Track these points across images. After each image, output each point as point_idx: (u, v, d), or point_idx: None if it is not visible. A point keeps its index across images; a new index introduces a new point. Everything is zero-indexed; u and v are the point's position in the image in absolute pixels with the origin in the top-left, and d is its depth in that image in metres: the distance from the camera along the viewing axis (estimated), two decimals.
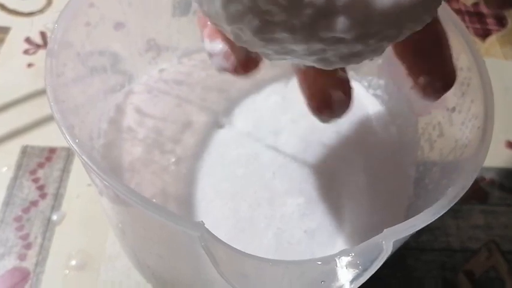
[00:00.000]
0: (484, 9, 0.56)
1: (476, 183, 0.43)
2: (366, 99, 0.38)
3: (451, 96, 0.30)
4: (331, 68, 0.19)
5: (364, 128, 0.37)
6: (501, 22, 0.55)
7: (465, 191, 0.24)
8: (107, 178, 0.21)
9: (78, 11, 0.28)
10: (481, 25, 0.54)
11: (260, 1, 0.16)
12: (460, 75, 0.29)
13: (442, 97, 0.29)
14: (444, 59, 0.22)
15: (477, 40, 0.53)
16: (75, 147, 0.22)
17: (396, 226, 0.22)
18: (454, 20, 0.28)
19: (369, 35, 0.16)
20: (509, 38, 0.53)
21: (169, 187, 0.32)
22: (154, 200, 0.31)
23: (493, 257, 0.38)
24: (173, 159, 0.34)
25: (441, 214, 0.23)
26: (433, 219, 0.23)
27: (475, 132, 0.26)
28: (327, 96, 0.23)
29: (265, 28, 0.17)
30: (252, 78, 0.39)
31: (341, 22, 0.16)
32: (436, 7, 0.18)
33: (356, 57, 0.18)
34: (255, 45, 0.18)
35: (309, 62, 0.19)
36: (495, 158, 0.44)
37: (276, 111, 0.37)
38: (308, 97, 0.23)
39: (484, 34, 0.53)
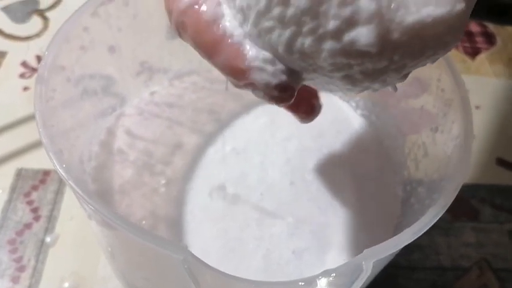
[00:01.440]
0: (473, 27, 0.56)
1: (467, 200, 0.43)
2: (354, 119, 0.39)
3: (434, 116, 0.31)
4: (356, 90, 0.20)
5: (352, 148, 0.37)
6: (490, 40, 0.55)
7: (445, 209, 0.24)
8: (92, 202, 0.22)
9: (69, 36, 0.29)
10: (470, 44, 0.55)
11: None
12: (443, 97, 0.30)
13: (427, 117, 0.30)
14: None
15: (467, 59, 0.53)
16: (61, 171, 0.23)
17: (376, 246, 0.22)
18: None
19: (393, 48, 0.17)
20: (498, 56, 0.54)
21: (159, 209, 0.33)
22: (144, 222, 0.32)
23: (485, 276, 0.38)
24: (163, 181, 0.34)
25: (421, 234, 0.23)
26: (413, 239, 0.23)
27: (456, 152, 0.26)
28: None
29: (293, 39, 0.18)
30: (242, 100, 0.40)
31: (365, 35, 0.17)
32: (460, 30, 0.18)
33: (380, 75, 0.19)
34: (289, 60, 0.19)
35: (337, 80, 0.19)
36: (486, 175, 0.45)
37: (265, 132, 0.37)
38: None
39: (474, 53, 0.54)
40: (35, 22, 0.53)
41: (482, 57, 0.54)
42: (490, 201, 0.43)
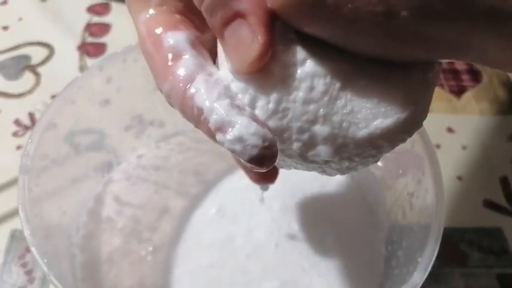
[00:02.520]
0: (459, 65, 0.57)
1: (455, 245, 0.43)
2: (337, 176, 0.39)
3: (410, 181, 0.32)
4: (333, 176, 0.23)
5: (336, 204, 0.38)
6: (476, 78, 0.56)
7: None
8: None
9: (50, 123, 0.30)
10: (456, 82, 0.55)
11: None
12: (417, 162, 0.30)
13: (403, 180, 0.31)
14: None
15: (452, 98, 0.54)
16: (44, 268, 0.24)
17: None
18: None
19: (351, 156, 0.20)
20: (484, 94, 0.55)
21: (146, 277, 0.33)
22: None
23: None
24: (150, 248, 0.35)
25: None
26: None
27: (428, 224, 0.27)
28: None
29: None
30: (227, 160, 0.40)
31: (324, 150, 0.20)
32: (411, 130, 0.20)
33: (349, 169, 0.21)
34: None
35: (316, 172, 0.22)
36: (474, 219, 0.45)
37: (250, 192, 0.38)
38: None
39: (459, 91, 0.55)
40: (27, 78, 0.54)
41: (468, 95, 0.54)
42: (478, 244, 0.43)
